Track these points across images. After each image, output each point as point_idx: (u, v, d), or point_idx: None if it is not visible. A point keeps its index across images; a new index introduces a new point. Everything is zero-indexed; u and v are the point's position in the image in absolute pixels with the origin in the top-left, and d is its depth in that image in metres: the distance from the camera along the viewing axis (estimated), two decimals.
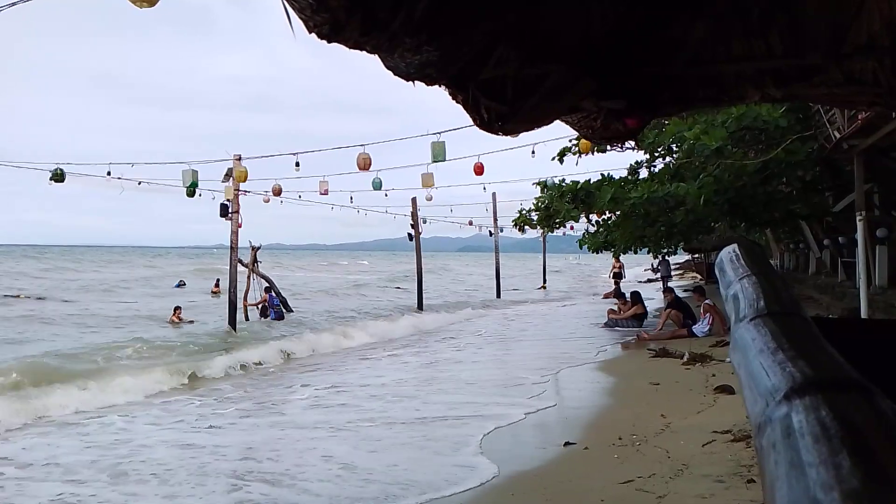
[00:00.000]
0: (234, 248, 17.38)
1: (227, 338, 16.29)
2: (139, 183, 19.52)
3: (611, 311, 18.65)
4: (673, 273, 35.96)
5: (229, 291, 17.63)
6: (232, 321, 17.53)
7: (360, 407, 9.35)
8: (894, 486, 0.52)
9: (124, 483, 6.25)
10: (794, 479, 0.57)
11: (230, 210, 17.10)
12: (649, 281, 40.76)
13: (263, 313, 21.22)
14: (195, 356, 13.41)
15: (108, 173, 18.63)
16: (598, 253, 19.18)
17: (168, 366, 11.96)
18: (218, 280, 32.78)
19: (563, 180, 16.63)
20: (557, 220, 17.12)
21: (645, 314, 17.25)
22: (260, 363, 13.23)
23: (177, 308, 22.03)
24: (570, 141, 16.35)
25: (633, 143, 15.22)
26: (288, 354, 14.26)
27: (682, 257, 52.73)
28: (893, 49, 2.10)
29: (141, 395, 10.11)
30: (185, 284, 39.63)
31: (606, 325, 17.39)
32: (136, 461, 6.82)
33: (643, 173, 17.09)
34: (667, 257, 33.51)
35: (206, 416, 8.95)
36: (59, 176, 17.54)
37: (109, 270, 57.65)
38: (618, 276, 32.20)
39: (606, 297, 29.37)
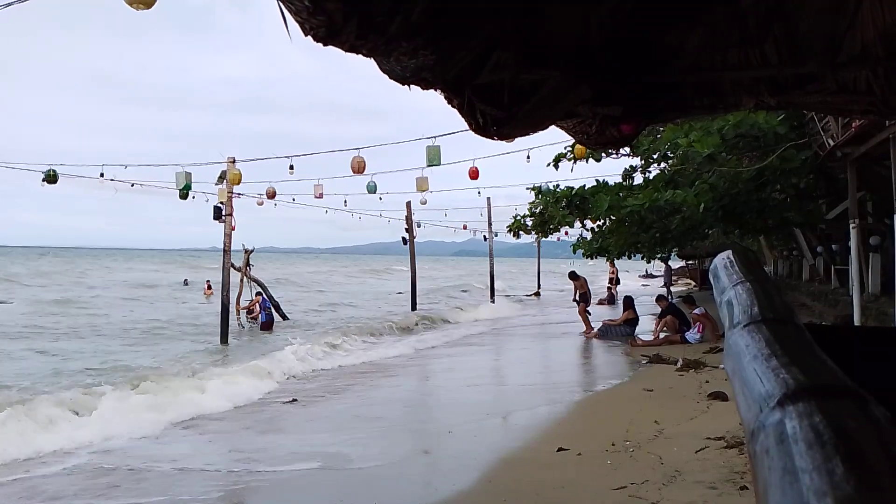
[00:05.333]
0: (227, 250, 17.32)
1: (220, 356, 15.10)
2: (132, 185, 19.48)
3: (607, 320, 18.67)
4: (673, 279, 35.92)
5: (222, 295, 17.55)
6: (224, 334, 17.05)
7: (362, 415, 9.35)
8: (887, 493, 0.52)
9: None
10: (787, 484, 0.57)
11: (224, 213, 17.06)
12: (643, 286, 40.79)
13: (247, 318, 20.96)
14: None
15: (101, 175, 18.58)
16: (592, 259, 19.20)
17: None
18: (209, 282, 33.06)
19: (558, 186, 16.68)
20: (552, 226, 17.15)
21: (637, 319, 17.25)
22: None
23: (207, 282, 28.00)
24: (566, 148, 16.41)
25: (628, 149, 15.32)
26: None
27: (674, 263, 52.81)
28: (887, 59, 2.11)
29: None
30: (188, 283, 41.49)
31: (599, 331, 17.39)
32: None
33: (637, 178, 17.16)
34: (669, 263, 33.55)
35: None
36: (51, 177, 17.47)
37: (121, 272, 57.63)
38: (612, 282, 32.06)
39: (600, 303, 29.34)
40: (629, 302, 17.73)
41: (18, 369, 13.10)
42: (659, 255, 25.32)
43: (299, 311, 25.73)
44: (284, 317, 22.88)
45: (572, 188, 16.11)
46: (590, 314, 18.53)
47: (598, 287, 36.27)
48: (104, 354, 15.07)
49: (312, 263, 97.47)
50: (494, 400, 10.72)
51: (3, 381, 11.62)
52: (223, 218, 17.07)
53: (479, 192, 28.54)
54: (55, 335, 18.74)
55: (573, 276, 19.29)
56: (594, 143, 2.59)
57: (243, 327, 20.22)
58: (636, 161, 17.47)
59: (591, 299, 19.27)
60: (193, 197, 19.23)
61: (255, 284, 22.37)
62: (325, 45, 1.45)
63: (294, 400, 10.11)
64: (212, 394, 10.13)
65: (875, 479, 0.54)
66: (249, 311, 21.06)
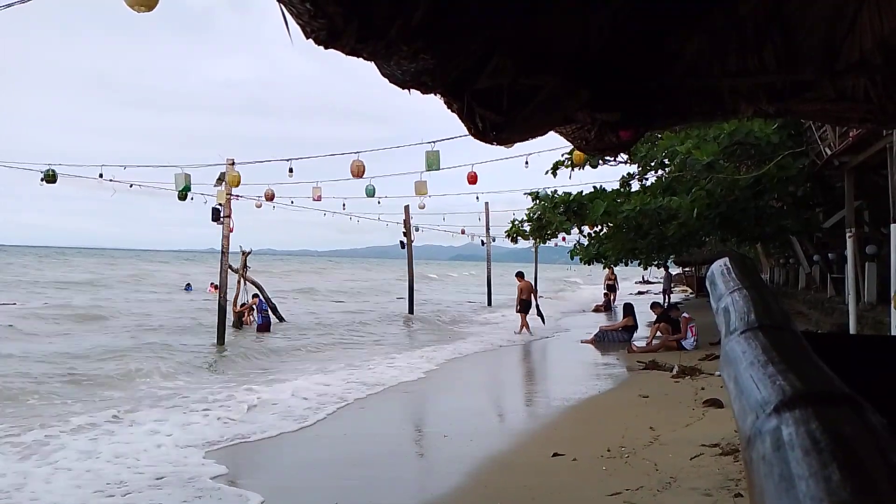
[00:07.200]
0: (224, 252, 17.30)
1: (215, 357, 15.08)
2: (131, 185, 19.45)
3: (603, 326, 18.77)
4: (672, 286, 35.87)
5: (219, 297, 17.53)
6: (221, 335, 17.07)
7: (356, 418, 9.34)
8: (884, 500, 0.52)
9: None
10: (783, 491, 0.57)
11: (222, 214, 17.05)
12: (640, 293, 40.78)
13: (240, 321, 20.94)
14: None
15: (101, 175, 18.56)
16: (589, 264, 19.25)
17: None
18: (213, 283, 33.14)
19: (556, 191, 16.69)
20: (549, 231, 17.16)
21: (635, 326, 17.29)
22: None
23: (212, 283, 29.66)
24: (563, 155, 16.44)
25: (625, 155, 15.34)
26: None
27: (673, 270, 52.81)
28: (885, 66, 2.12)
29: None
30: (191, 287, 40.79)
31: (596, 337, 17.41)
32: None
33: (635, 185, 17.19)
34: (668, 270, 33.55)
35: None
36: (51, 177, 17.47)
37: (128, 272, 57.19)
38: (611, 289, 31.90)
39: (597, 310, 29.31)
40: (629, 309, 17.79)
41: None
42: (656, 262, 25.37)
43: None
44: (281, 318, 22.86)
45: (570, 194, 16.12)
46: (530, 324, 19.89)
47: (595, 294, 36.31)
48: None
49: (362, 268, 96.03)
50: (490, 404, 10.72)
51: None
52: (221, 220, 17.05)
53: (477, 197, 28.60)
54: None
55: (520, 276, 20.12)
56: (593, 149, 2.60)
57: (236, 328, 20.19)
58: (634, 168, 17.51)
59: (531, 308, 20.45)
60: (192, 198, 19.23)
61: (253, 286, 22.36)
62: (326, 48, 1.46)
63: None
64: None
65: (872, 485, 0.54)
66: (240, 314, 21.00)
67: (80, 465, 6.97)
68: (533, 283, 41.04)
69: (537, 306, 20.88)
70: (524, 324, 19.99)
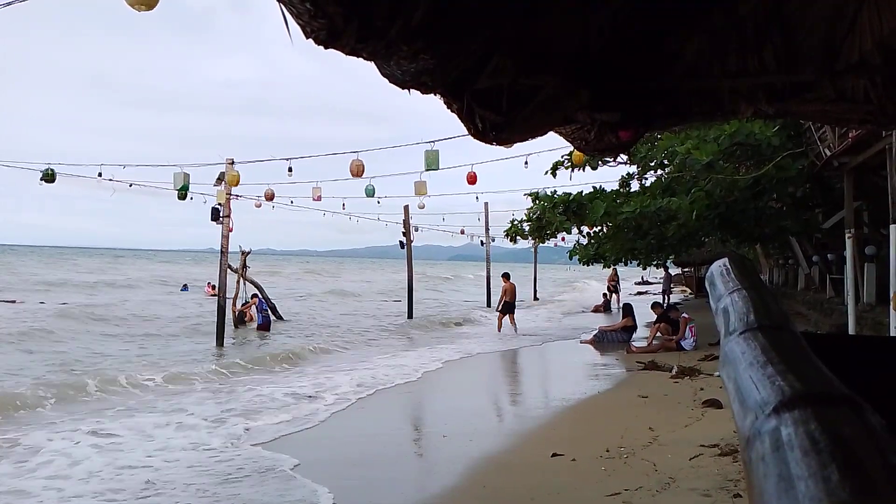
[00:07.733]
0: (224, 252, 17.29)
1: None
2: (130, 185, 19.43)
3: (603, 326, 18.78)
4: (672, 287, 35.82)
5: (218, 297, 17.52)
6: (220, 336, 17.11)
7: (360, 420, 9.34)
8: (883, 500, 0.52)
9: None
10: (782, 492, 0.57)
11: (221, 214, 17.03)
12: (639, 293, 40.77)
13: (241, 320, 21.05)
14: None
15: (99, 174, 18.54)
16: (588, 265, 19.26)
17: None
18: (210, 283, 33.07)
19: (555, 192, 16.69)
20: (549, 232, 17.16)
21: (634, 327, 17.29)
22: None
23: (209, 283, 30.45)
24: (563, 156, 16.44)
25: (625, 156, 15.35)
26: None
27: (672, 270, 52.73)
28: (885, 67, 2.12)
29: None
30: (187, 288, 40.49)
31: (595, 337, 17.42)
32: None
33: (634, 185, 17.19)
34: (668, 270, 33.51)
35: None
36: (49, 176, 17.46)
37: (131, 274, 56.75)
38: (613, 290, 31.78)
39: (596, 310, 29.32)
40: (628, 309, 17.79)
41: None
42: (655, 262, 25.39)
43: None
44: (279, 317, 22.88)
45: (570, 194, 16.11)
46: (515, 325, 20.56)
47: (596, 294, 36.27)
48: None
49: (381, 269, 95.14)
50: (489, 404, 10.72)
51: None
52: (221, 219, 17.04)
53: (476, 197, 28.60)
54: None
55: (506, 277, 20.91)
56: (593, 150, 2.60)
57: (236, 327, 20.20)
58: (633, 169, 17.52)
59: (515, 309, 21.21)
60: (191, 198, 19.21)
61: (252, 286, 22.36)
62: (326, 48, 1.46)
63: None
64: None
65: (871, 486, 0.54)
66: (241, 314, 21.05)
67: (76, 470, 6.97)
68: (533, 283, 41.06)
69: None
70: (500, 324, 20.72)
